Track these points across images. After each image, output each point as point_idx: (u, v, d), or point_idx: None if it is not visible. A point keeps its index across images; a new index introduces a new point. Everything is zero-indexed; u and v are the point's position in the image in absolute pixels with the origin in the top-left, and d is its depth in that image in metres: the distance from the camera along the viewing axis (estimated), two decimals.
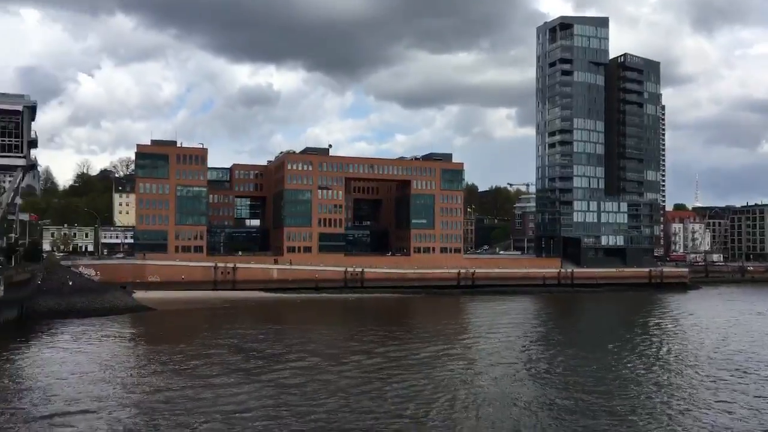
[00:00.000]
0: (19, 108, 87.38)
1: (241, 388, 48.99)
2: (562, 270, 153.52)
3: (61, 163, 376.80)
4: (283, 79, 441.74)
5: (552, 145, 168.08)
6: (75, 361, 59.00)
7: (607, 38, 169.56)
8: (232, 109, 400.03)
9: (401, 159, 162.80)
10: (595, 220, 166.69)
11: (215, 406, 44.00)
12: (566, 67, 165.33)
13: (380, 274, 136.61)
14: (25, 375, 53.71)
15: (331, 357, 62.37)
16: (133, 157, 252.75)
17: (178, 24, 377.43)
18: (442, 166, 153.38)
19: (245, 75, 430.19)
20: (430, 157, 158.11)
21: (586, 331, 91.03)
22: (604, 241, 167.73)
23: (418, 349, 67.11)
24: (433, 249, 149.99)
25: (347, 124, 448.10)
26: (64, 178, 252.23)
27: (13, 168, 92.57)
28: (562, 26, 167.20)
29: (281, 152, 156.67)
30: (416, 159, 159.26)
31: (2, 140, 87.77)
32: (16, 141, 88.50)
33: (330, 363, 59.29)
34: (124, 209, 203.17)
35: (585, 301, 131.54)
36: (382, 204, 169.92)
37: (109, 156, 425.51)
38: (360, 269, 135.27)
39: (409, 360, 61.77)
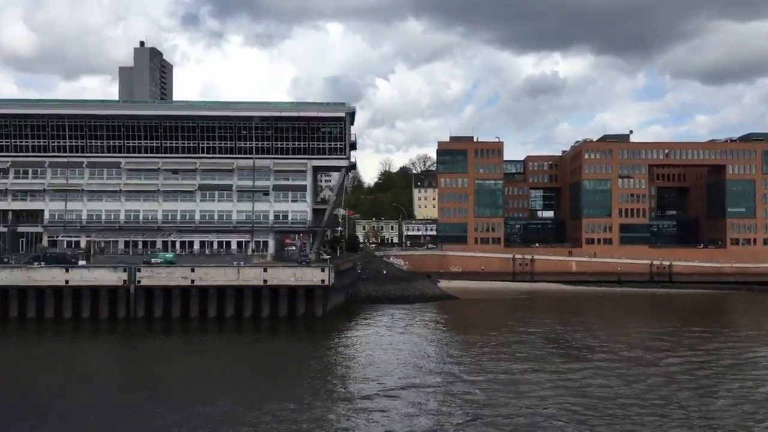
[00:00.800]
0: (342, 114, 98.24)
1: (566, 375, 49.35)
2: None
3: (363, 162, 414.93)
4: (569, 65, 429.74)
5: None
6: (400, 341, 64.57)
7: None
8: (517, 101, 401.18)
9: (712, 141, 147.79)
10: None
11: (547, 389, 44.92)
12: None
13: (691, 268, 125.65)
14: (359, 352, 60.17)
15: (649, 350, 59.73)
16: (427, 153, 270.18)
17: (466, 22, 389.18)
18: (765, 148, 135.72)
19: (530, 65, 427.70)
20: (748, 138, 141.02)
21: None
22: None
23: (745, 350, 60.87)
24: (755, 240, 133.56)
25: (639, 107, 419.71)
26: (369, 176, 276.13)
27: (338, 168, 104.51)
28: None
29: (576, 141, 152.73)
30: (731, 141, 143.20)
31: (329, 144, 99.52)
32: (339, 144, 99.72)
33: (649, 357, 56.77)
34: (423, 203, 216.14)
35: None
36: (689, 192, 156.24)
37: (403, 154, 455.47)
38: (668, 262, 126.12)
39: (735, 360, 56.51)
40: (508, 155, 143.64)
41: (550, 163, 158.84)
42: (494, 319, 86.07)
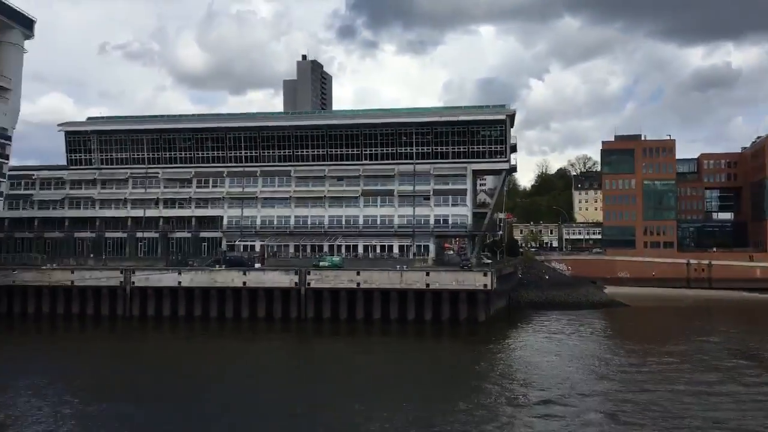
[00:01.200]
0: (503, 117, 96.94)
1: (761, 388, 45.40)
2: None
3: (518, 164, 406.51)
4: (743, 56, 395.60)
5: None
6: (571, 347, 62.36)
7: None
8: (683, 95, 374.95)
9: None
10: None
11: (743, 403, 41.71)
12: None
13: None
14: (531, 357, 58.49)
15: None
16: (587, 154, 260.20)
17: (624, 16, 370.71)
18: None
19: (698, 57, 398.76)
20: None
21: None
22: None
23: None
24: None
25: None
26: (524, 178, 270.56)
27: (498, 172, 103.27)
28: None
29: (758, 137, 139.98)
30: None
31: (489, 147, 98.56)
32: (499, 147, 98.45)
33: None
34: (583, 206, 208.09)
35: None
36: None
37: (558, 155, 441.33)
38: None
39: None
40: (676, 154, 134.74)
41: (728, 161, 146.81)
42: (670, 327, 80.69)
